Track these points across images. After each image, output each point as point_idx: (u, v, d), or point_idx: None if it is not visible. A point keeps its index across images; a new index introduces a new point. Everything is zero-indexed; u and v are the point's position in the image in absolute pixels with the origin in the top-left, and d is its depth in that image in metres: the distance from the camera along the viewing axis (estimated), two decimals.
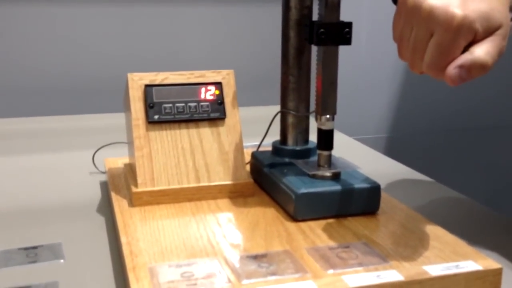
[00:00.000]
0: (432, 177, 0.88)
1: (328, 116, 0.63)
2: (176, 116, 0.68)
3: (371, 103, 1.59)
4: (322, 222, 0.61)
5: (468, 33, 0.47)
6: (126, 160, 0.78)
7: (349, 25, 0.61)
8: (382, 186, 0.64)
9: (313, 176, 0.64)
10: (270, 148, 0.74)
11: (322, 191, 0.62)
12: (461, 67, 0.47)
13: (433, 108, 1.58)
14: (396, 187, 0.83)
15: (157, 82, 0.69)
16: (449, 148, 1.67)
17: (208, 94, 0.70)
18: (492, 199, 1.65)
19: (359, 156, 0.90)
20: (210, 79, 0.71)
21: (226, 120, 0.70)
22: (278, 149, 0.73)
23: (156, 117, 0.67)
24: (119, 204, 0.66)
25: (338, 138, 0.65)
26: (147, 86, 0.68)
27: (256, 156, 0.74)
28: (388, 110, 1.62)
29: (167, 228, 0.60)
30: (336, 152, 0.66)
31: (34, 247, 0.61)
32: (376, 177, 0.66)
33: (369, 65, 1.54)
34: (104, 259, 0.59)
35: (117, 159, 0.81)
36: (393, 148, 1.61)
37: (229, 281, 0.48)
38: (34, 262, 0.58)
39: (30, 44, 1.31)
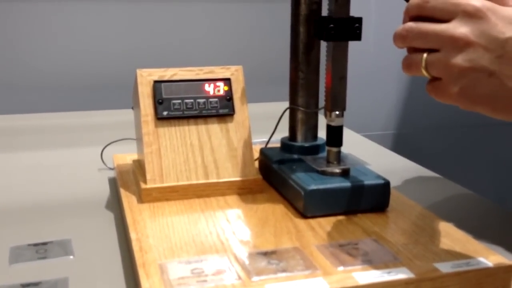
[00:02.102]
0: (440, 173, 0.88)
1: (337, 112, 0.63)
2: (185, 112, 0.68)
3: (379, 99, 1.58)
4: (332, 219, 0.61)
5: None
6: (135, 156, 0.78)
7: (359, 20, 0.61)
8: (391, 182, 0.64)
9: (323, 173, 0.64)
10: (278, 145, 0.74)
11: (332, 187, 0.61)
12: None
13: (440, 105, 1.57)
14: (405, 183, 0.83)
15: (166, 78, 0.69)
16: (456, 145, 1.66)
17: (217, 90, 0.69)
18: (501, 196, 1.64)
19: (366, 153, 0.89)
20: (219, 75, 0.70)
21: (235, 116, 0.70)
22: (287, 145, 0.72)
23: (165, 113, 0.67)
24: (128, 200, 0.66)
25: (346, 134, 0.65)
26: (156, 82, 0.68)
27: (264, 153, 0.74)
28: (396, 106, 1.61)
29: (177, 225, 0.60)
30: (344, 148, 0.66)
31: (44, 243, 0.61)
32: (384, 173, 0.65)
33: (376, 62, 1.53)
34: (113, 255, 0.59)
35: (125, 156, 0.81)
36: (401, 144, 1.61)
37: (239, 277, 0.48)
38: (44, 258, 0.58)
39: (39, 40, 1.31)
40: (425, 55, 0.47)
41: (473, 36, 0.44)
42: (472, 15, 0.45)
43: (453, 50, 0.45)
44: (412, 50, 0.49)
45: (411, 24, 0.48)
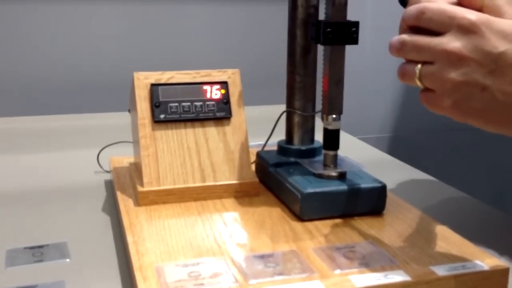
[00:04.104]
0: (436, 176, 0.88)
1: (334, 116, 0.63)
2: (182, 115, 0.68)
3: (375, 102, 1.59)
4: (328, 222, 0.61)
5: None
6: (131, 159, 0.78)
7: (356, 24, 0.61)
8: (387, 185, 0.64)
9: (319, 176, 0.64)
10: (275, 148, 0.74)
11: (328, 190, 0.62)
12: None
13: None
14: (401, 186, 0.83)
15: (163, 81, 0.69)
16: (452, 148, 1.67)
17: (214, 93, 0.70)
18: (497, 199, 1.65)
19: (363, 156, 0.89)
20: (216, 78, 0.70)
21: (232, 119, 0.70)
22: (283, 148, 0.72)
23: (162, 116, 0.67)
24: (125, 203, 0.66)
25: (342, 137, 0.65)
26: (153, 85, 0.68)
27: (261, 156, 0.74)
28: (392, 109, 1.61)
29: (173, 228, 0.60)
30: (340, 151, 0.66)
31: (40, 246, 0.61)
32: (380, 176, 0.66)
33: (372, 65, 1.53)
34: (110, 258, 0.59)
35: (122, 158, 0.81)
36: (397, 147, 1.61)
37: (236, 280, 0.48)
38: (40, 261, 0.58)
39: (36, 43, 1.31)
40: (419, 66, 0.47)
41: (467, 50, 0.45)
42: (466, 29, 0.45)
43: (447, 64, 0.46)
44: (408, 60, 0.49)
45: (405, 37, 0.48)
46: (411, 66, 0.48)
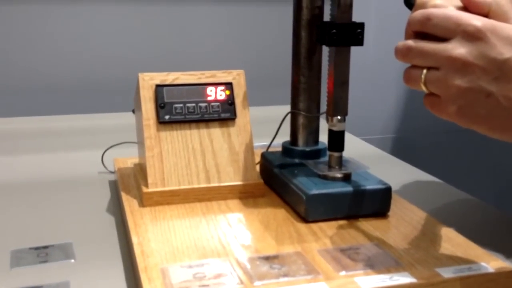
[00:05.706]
0: (439, 178, 0.88)
1: (339, 117, 0.63)
2: (187, 116, 0.68)
3: (378, 103, 1.59)
4: (333, 223, 0.61)
5: None
6: (136, 160, 0.78)
7: (361, 25, 0.61)
8: (392, 187, 0.64)
9: (324, 177, 0.64)
10: (280, 149, 0.74)
11: (333, 192, 0.62)
12: None
13: None
14: (405, 188, 0.83)
15: (168, 82, 0.69)
16: (456, 149, 1.67)
17: (219, 94, 0.70)
18: (501, 200, 1.64)
19: (366, 157, 0.89)
20: (221, 79, 0.70)
21: (237, 120, 0.70)
22: (288, 149, 0.72)
23: (167, 117, 0.67)
24: (130, 204, 0.66)
25: (345, 138, 0.65)
26: (158, 86, 0.68)
27: (266, 157, 0.74)
28: (395, 110, 1.61)
29: (178, 229, 0.60)
30: (344, 152, 0.66)
31: (45, 247, 0.61)
32: (385, 178, 0.65)
33: (376, 65, 1.53)
34: (114, 259, 0.59)
35: (126, 159, 0.81)
36: (400, 148, 1.61)
37: (241, 282, 0.48)
38: (45, 262, 0.58)
39: (41, 43, 1.31)
40: (424, 71, 0.47)
41: (472, 57, 0.45)
42: (471, 35, 0.45)
43: (452, 70, 0.46)
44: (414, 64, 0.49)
45: (411, 43, 0.48)
46: (416, 71, 0.48)
